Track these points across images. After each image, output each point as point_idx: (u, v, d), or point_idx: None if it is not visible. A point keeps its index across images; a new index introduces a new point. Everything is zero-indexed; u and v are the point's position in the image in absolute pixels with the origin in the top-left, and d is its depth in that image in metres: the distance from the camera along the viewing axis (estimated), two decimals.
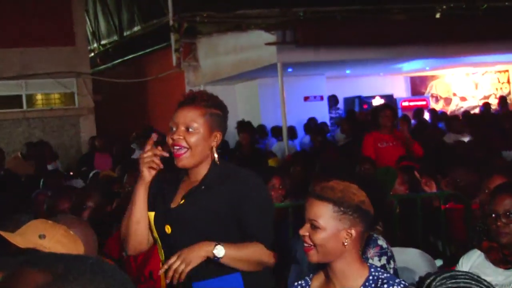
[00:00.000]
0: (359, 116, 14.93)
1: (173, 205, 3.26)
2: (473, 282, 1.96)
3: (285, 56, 12.34)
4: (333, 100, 16.33)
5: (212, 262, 3.08)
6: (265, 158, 10.17)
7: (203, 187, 3.21)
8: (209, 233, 3.14)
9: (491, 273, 3.53)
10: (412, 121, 13.39)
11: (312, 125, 14.10)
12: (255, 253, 3.14)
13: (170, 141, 3.16)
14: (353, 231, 2.74)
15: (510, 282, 3.46)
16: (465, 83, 19.32)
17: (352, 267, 2.78)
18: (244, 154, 10.38)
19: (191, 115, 3.14)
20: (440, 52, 14.27)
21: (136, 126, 14.86)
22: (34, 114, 15.41)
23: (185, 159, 3.15)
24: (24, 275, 1.30)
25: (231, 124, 13.44)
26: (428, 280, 1.97)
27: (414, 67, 17.15)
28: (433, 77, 19.16)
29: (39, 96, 15.65)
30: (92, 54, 18.23)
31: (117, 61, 17.71)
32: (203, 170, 3.23)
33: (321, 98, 16.01)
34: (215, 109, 3.22)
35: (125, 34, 17.75)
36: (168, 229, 3.22)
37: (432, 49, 13.79)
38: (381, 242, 3.59)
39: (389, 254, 3.57)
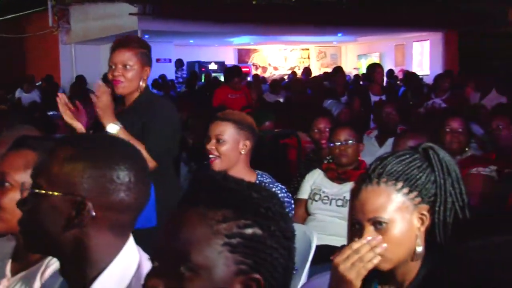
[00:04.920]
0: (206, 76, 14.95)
1: None
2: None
3: (144, 25, 12.14)
4: (179, 63, 16.16)
5: None
6: None
7: (130, 110, 3.06)
8: None
9: (328, 186, 3.73)
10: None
11: (160, 80, 13.71)
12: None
13: (110, 76, 3.03)
14: (247, 142, 2.82)
15: (342, 193, 3.63)
16: (278, 56, 19.90)
17: (244, 173, 2.78)
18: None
19: (126, 55, 2.99)
20: (261, 31, 14.64)
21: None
22: None
23: (121, 88, 3.02)
24: (56, 150, 1.29)
25: (95, 75, 13.44)
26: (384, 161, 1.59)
27: (242, 41, 17.47)
28: (254, 50, 19.60)
29: None
30: None
31: None
32: (134, 96, 3.09)
33: (170, 60, 15.86)
34: (143, 48, 3.07)
35: None
36: None
37: (255, 28, 14.07)
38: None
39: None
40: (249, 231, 1.04)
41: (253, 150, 2.91)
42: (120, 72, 3.00)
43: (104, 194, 1.24)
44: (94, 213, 1.23)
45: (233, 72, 8.07)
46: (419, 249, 1.54)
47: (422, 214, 1.55)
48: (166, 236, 1.07)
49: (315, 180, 3.81)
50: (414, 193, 1.54)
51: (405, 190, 1.53)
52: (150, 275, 1.08)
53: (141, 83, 3.04)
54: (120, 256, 1.27)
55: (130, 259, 1.29)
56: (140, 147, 2.79)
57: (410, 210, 1.54)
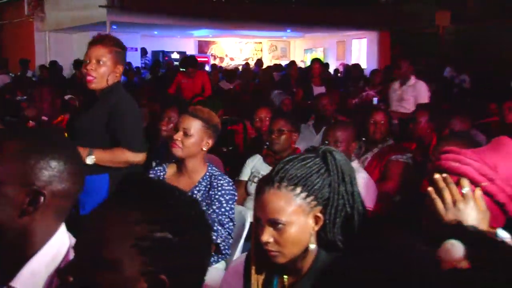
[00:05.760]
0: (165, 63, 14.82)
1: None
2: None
3: (113, 16, 11.91)
4: (143, 51, 16.01)
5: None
6: None
7: (99, 101, 2.94)
8: (90, 137, 2.87)
9: (266, 170, 3.60)
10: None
11: (127, 67, 13.17)
12: (118, 155, 2.86)
13: (84, 70, 2.92)
14: (210, 141, 2.80)
15: None
16: (234, 48, 19.80)
17: (198, 165, 2.80)
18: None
19: (101, 51, 2.90)
20: (219, 25, 14.56)
21: None
22: None
23: (93, 84, 2.93)
24: (6, 144, 1.21)
25: (68, 61, 13.32)
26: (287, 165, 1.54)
27: (202, 34, 17.29)
28: (213, 42, 19.43)
29: None
30: None
31: None
32: (102, 89, 2.97)
33: (136, 49, 15.74)
34: (118, 48, 2.96)
35: None
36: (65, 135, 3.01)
37: (214, 22, 13.99)
38: None
39: None
40: (159, 235, 1.00)
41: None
42: (93, 67, 2.90)
43: (53, 183, 1.21)
44: (46, 202, 1.21)
45: (188, 62, 7.99)
46: (312, 246, 1.52)
47: (317, 216, 1.52)
48: (85, 230, 1.04)
49: (255, 164, 3.80)
50: (311, 197, 1.50)
51: (303, 194, 1.49)
52: (65, 265, 1.05)
53: (109, 78, 2.93)
54: (53, 240, 1.24)
55: (61, 243, 1.26)
56: (121, 152, 2.83)
57: (306, 212, 1.50)
